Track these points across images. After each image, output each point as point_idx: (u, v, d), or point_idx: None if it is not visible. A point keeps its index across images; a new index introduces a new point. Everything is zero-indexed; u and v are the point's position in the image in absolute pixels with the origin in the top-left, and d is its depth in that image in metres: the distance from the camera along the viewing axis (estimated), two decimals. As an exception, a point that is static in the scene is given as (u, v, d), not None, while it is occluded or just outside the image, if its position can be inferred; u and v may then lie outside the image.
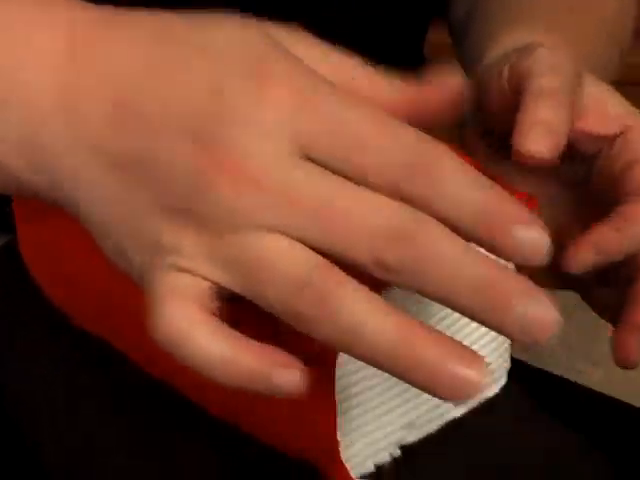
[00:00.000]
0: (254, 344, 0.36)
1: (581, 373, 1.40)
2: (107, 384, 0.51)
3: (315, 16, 0.60)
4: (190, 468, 0.47)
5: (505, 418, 0.50)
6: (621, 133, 0.48)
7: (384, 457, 0.46)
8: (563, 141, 0.44)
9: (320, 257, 0.35)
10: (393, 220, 0.34)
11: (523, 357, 0.55)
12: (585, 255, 0.46)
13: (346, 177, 0.35)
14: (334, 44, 0.39)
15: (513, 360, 0.51)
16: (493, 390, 0.50)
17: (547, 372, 0.65)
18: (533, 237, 0.34)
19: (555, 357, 1.39)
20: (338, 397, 0.42)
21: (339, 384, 0.42)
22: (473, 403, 0.49)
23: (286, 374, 0.36)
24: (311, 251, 0.35)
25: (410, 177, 0.34)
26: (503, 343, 0.49)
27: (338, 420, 0.43)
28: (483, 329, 0.48)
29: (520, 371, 0.52)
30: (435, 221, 0.34)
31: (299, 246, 0.35)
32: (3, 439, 0.54)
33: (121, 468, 0.49)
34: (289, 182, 0.34)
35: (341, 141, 0.35)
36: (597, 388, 0.65)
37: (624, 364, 0.47)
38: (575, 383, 0.65)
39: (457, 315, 0.46)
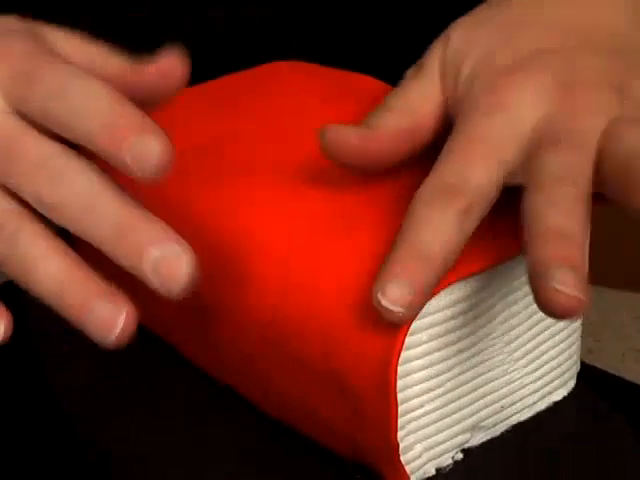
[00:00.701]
0: None
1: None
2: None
3: (335, 18, 0.61)
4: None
5: (570, 420, 0.48)
6: None
7: (445, 460, 0.44)
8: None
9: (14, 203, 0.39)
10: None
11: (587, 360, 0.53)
12: None
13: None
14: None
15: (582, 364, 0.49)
16: (562, 393, 0.47)
17: (616, 376, 0.63)
18: (146, 145, 0.36)
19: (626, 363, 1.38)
20: (398, 396, 0.40)
21: (400, 384, 0.40)
22: (540, 406, 0.46)
23: None
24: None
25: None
26: (572, 345, 0.47)
27: (398, 421, 0.40)
28: (553, 329, 0.46)
29: (586, 373, 0.49)
30: (75, 164, 0.38)
31: None
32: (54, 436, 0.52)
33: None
34: None
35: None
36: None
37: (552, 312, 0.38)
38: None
39: (524, 314, 0.44)
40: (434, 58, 0.46)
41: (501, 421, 0.45)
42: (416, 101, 0.45)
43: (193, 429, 0.47)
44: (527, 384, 0.46)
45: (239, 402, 0.47)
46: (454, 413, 0.43)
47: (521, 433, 0.46)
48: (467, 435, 0.44)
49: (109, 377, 0.51)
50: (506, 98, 0.42)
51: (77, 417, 0.50)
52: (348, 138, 0.43)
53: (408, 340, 0.40)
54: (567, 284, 0.35)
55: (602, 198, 0.40)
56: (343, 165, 0.44)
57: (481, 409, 0.44)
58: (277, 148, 0.48)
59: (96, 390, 0.51)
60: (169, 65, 0.40)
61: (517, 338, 0.44)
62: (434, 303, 0.40)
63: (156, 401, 0.49)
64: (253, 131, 0.50)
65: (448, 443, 0.43)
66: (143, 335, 0.49)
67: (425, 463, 0.43)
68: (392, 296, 0.37)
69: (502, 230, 0.41)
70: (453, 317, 0.41)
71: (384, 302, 0.37)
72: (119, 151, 0.36)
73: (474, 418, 0.44)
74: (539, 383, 0.46)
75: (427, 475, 0.43)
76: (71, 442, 0.50)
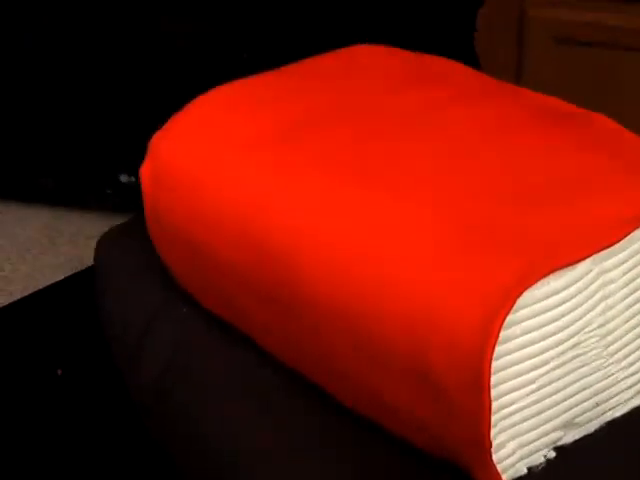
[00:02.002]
0: None
1: None
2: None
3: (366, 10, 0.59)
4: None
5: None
6: None
7: (538, 459, 0.42)
8: None
9: None
10: None
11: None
12: None
13: None
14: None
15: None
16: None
17: None
18: None
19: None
20: (492, 393, 0.38)
21: (493, 379, 0.38)
22: (636, 402, 0.44)
23: None
24: None
25: None
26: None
27: (492, 418, 0.39)
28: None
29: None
30: None
31: None
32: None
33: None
34: None
35: None
36: None
37: None
38: None
39: (621, 307, 0.42)
40: None
41: (595, 418, 0.43)
42: None
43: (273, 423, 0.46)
44: (622, 379, 0.43)
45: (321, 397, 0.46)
46: (548, 409, 0.41)
47: (616, 430, 0.44)
48: (560, 433, 0.42)
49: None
50: None
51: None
52: None
53: (503, 334, 0.38)
54: None
55: None
56: None
57: (575, 405, 0.42)
58: (358, 133, 0.46)
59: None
60: None
61: (614, 331, 0.42)
62: (528, 295, 0.39)
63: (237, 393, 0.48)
64: (334, 115, 0.48)
65: (541, 441, 0.42)
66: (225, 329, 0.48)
67: (517, 461, 0.41)
68: None
69: (600, 219, 0.39)
70: (548, 310, 0.39)
71: None
72: None
73: (568, 415, 0.42)
74: (635, 378, 0.44)
75: (519, 474, 0.41)
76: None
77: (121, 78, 0.50)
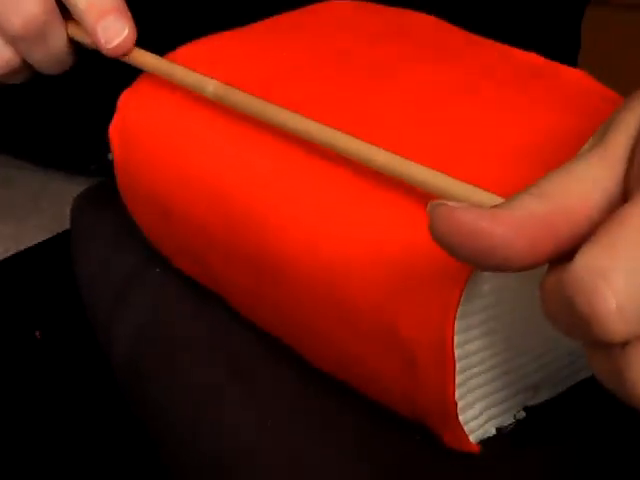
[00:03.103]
0: None
1: None
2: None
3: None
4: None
5: None
6: None
7: (507, 420, 0.41)
8: None
9: None
10: None
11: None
12: None
13: None
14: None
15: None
16: None
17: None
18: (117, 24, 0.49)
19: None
20: (457, 352, 0.38)
21: (457, 339, 0.38)
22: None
23: None
24: None
25: None
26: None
27: (457, 379, 0.38)
28: None
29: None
30: None
31: None
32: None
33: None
34: None
35: None
36: None
37: None
38: None
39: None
40: (620, 134, 0.34)
41: (567, 377, 0.43)
42: (576, 184, 0.33)
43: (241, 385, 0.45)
44: (595, 338, 0.43)
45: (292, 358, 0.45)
46: (518, 370, 0.41)
47: (589, 389, 0.43)
48: (530, 392, 0.41)
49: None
50: None
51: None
52: (458, 214, 0.32)
53: (467, 292, 0.37)
54: None
55: None
56: (452, 251, 0.32)
57: (547, 364, 0.41)
58: (325, 88, 0.46)
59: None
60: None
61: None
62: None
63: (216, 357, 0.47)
64: (303, 71, 0.47)
65: (510, 401, 0.41)
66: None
67: (485, 422, 0.40)
68: None
69: None
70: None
71: None
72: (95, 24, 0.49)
73: (539, 374, 0.41)
74: (608, 337, 0.43)
75: (487, 435, 0.41)
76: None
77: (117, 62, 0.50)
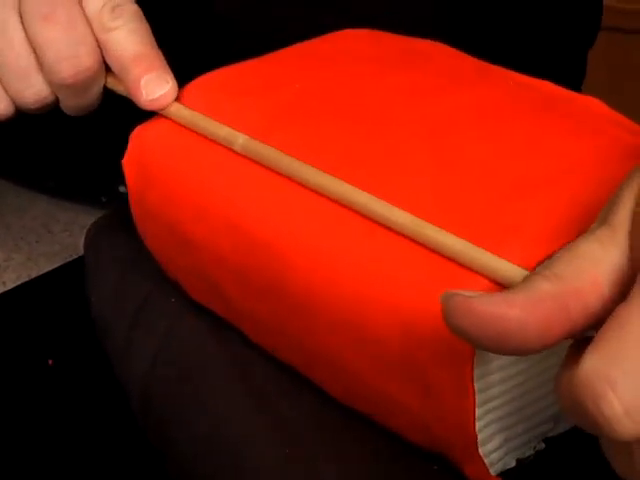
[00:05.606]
0: None
1: None
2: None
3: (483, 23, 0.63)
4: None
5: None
6: None
7: (527, 451, 0.41)
8: None
9: None
10: None
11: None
12: None
13: None
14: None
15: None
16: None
17: None
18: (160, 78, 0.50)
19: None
20: (477, 386, 0.38)
21: (477, 372, 0.38)
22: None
23: None
24: None
25: None
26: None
27: (477, 411, 0.38)
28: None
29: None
30: None
31: None
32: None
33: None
34: None
35: None
36: None
37: None
38: None
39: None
40: (624, 210, 0.34)
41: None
42: (586, 264, 0.33)
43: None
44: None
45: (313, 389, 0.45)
46: (536, 401, 0.41)
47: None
48: (550, 424, 0.41)
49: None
50: None
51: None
52: (474, 305, 0.32)
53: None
54: None
55: None
56: (468, 339, 0.33)
57: (565, 396, 0.41)
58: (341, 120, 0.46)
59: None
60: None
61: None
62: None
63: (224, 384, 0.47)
64: (320, 103, 0.47)
65: (530, 433, 0.41)
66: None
67: (505, 454, 0.40)
68: None
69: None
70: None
71: None
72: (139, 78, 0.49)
73: (557, 406, 0.41)
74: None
75: (507, 467, 0.41)
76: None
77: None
